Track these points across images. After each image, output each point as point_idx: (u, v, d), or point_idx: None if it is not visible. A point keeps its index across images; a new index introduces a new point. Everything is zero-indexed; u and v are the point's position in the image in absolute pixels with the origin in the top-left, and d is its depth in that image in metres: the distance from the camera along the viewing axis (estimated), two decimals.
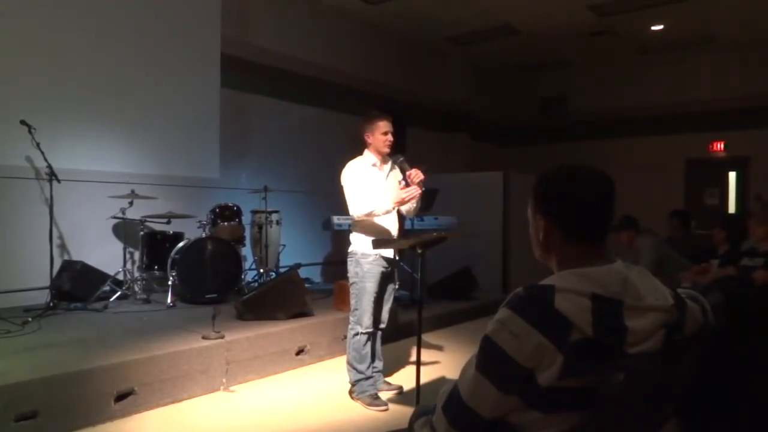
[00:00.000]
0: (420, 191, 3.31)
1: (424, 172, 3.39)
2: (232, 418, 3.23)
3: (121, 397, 3.11)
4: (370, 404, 3.38)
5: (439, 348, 4.86)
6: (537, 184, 1.29)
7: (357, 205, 3.34)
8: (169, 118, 5.84)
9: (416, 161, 3.56)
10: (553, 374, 1.04)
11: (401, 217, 3.70)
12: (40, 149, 4.37)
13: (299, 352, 4.22)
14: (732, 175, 9.24)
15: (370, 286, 3.37)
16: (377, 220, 3.41)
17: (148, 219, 5.09)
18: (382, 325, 3.58)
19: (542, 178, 1.29)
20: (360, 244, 3.41)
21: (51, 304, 4.33)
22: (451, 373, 3.97)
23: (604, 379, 1.03)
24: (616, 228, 5.13)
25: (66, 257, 4.99)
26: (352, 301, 3.45)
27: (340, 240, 6.86)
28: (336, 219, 6.08)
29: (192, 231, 5.38)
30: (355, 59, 8.10)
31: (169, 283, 4.87)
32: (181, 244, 5.05)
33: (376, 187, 3.40)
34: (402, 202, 3.32)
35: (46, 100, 4.95)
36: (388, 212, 3.36)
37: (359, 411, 3.36)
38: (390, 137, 3.43)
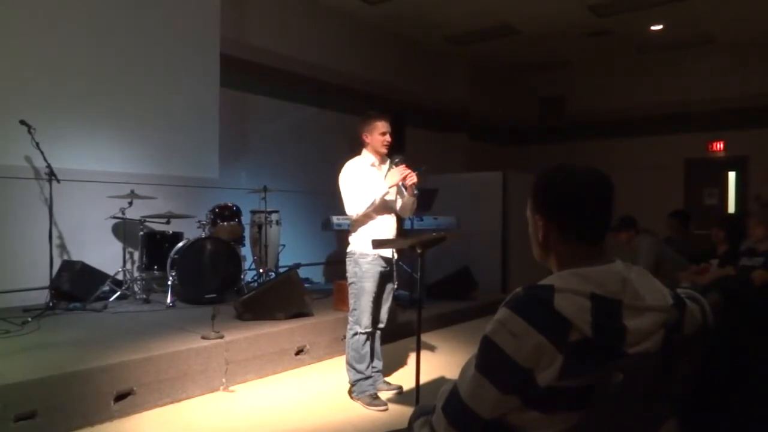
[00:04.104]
0: (413, 177, 3.33)
1: (423, 172, 3.39)
2: (232, 418, 3.23)
3: (120, 397, 3.10)
4: (369, 404, 3.38)
5: (438, 348, 4.86)
6: (536, 184, 1.29)
7: (354, 205, 3.34)
8: (168, 118, 5.84)
9: (415, 161, 3.56)
10: (553, 374, 1.04)
11: (400, 217, 3.71)
12: (39, 149, 4.37)
13: (299, 352, 4.22)
14: (731, 175, 9.24)
15: (369, 285, 3.38)
16: (375, 222, 3.41)
17: (147, 219, 5.09)
18: (381, 325, 3.58)
19: (541, 178, 1.29)
20: (359, 243, 3.41)
21: (50, 304, 4.33)
22: (450, 373, 3.97)
23: (604, 379, 1.03)
24: (615, 228, 5.13)
25: (65, 257, 4.99)
26: (351, 301, 3.45)
27: (340, 240, 6.87)
28: (335, 219, 6.08)
29: (191, 231, 5.38)
30: (355, 59, 8.10)
31: (169, 283, 4.87)
32: (180, 244, 5.05)
33: (374, 187, 3.40)
34: (396, 184, 3.35)
35: (46, 100, 4.95)
36: (385, 195, 3.34)
37: (359, 411, 3.36)
38: (388, 138, 3.44)
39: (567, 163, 1.28)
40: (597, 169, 1.26)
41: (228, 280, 5.09)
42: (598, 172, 1.25)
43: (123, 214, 4.95)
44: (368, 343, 3.45)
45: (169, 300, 4.78)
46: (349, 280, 3.46)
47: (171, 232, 5.34)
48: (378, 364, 3.63)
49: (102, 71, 5.33)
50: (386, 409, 3.36)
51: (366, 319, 3.40)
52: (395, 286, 3.60)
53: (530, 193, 1.30)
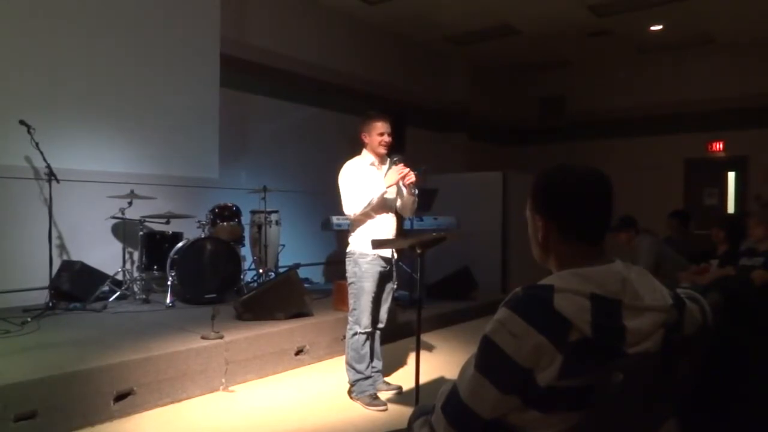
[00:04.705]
0: (412, 177, 3.32)
1: (423, 172, 3.39)
2: (232, 418, 3.23)
3: (120, 397, 3.10)
4: (369, 404, 3.38)
5: (438, 348, 4.86)
6: (536, 184, 1.29)
7: (351, 204, 3.34)
8: (168, 118, 5.84)
9: (415, 161, 3.56)
10: (553, 374, 1.04)
11: (400, 217, 3.71)
12: (39, 149, 4.37)
13: (298, 352, 4.22)
14: (731, 175, 9.24)
15: (369, 285, 3.37)
16: (375, 221, 3.41)
17: (147, 219, 5.09)
18: (381, 325, 3.58)
19: (541, 178, 1.29)
20: (358, 243, 3.41)
21: (50, 304, 4.33)
22: (450, 373, 3.97)
23: (604, 379, 1.03)
24: (615, 228, 5.13)
25: (65, 257, 4.99)
26: (351, 301, 3.45)
27: (340, 240, 6.87)
28: (335, 219, 6.08)
29: (191, 231, 5.38)
30: (355, 59, 8.10)
31: (168, 283, 4.87)
32: (180, 244, 5.05)
33: (373, 187, 3.40)
34: (395, 183, 3.35)
35: (46, 100, 4.95)
36: (383, 194, 3.34)
37: (358, 411, 3.36)
38: (386, 138, 3.43)
39: (567, 163, 1.28)
40: (597, 169, 1.26)
41: (228, 280, 5.09)
42: (598, 172, 1.25)
43: (123, 214, 4.95)
44: (368, 343, 3.45)
45: (168, 300, 4.78)
46: (349, 280, 3.46)
47: (171, 232, 5.34)
48: (378, 364, 3.63)
49: (102, 71, 5.33)
50: (386, 409, 3.36)
51: (366, 319, 3.39)
52: (395, 286, 3.60)
53: (530, 193, 1.30)
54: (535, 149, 10.42)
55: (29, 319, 3.99)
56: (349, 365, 3.47)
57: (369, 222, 3.42)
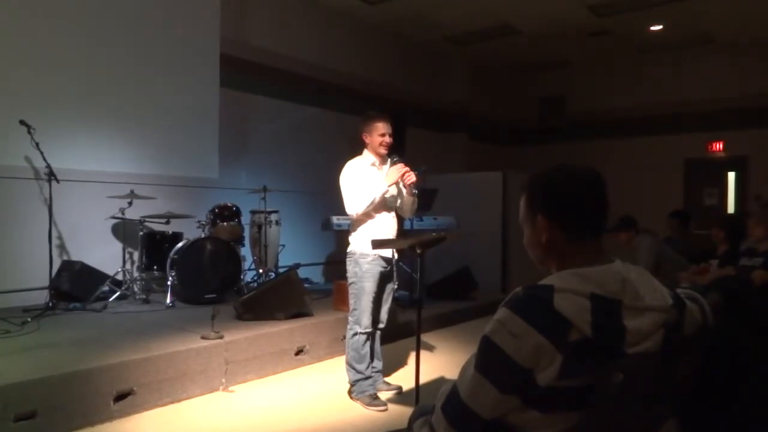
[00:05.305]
0: (412, 176, 3.33)
1: (423, 172, 3.39)
2: (231, 418, 3.23)
3: (120, 397, 3.11)
4: (369, 404, 3.38)
5: (438, 348, 4.86)
6: (536, 184, 1.29)
7: (354, 204, 3.34)
8: (168, 118, 5.84)
9: (415, 161, 3.56)
10: (553, 374, 1.04)
11: (400, 217, 3.71)
12: (39, 149, 4.37)
13: (298, 352, 4.22)
14: (731, 175, 9.24)
15: (369, 285, 3.37)
16: (375, 221, 3.41)
17: (147, 219, 5.09)
18: (381, 325, 3.58)
19: (541, 179, 1.29)
20: (359, 243, 3.41)
21: (50, 305, 4.33)
22: (450, 373, 3.97)
23: (604, 379, 1.03)
24: (615, 228, 5.13)
25: (65, 257, 4.99)
26: (351, 301, 3.45)
27: (340, 240, 6.87)
28: (335, 219, 6.08)
29: (191, 231, 5.38)
30: (355, 59, 8.10)
31: (168, 283, 4.87)
32: (180, 245, 5.05)
33: (374, 187, 3.40)
34: (395, 182, 3.35)
35: (46, 100, 4.95)
36: (385, 193, 3.35)
37: (358, 411, 3.36)
38: (387, 139, 3.43)
39: (563, 163, 1.29)
40: (591, 167, 1.28)
41: (228, 280, 5.09)
42: (595, 171, 1.26)
43: (123, 214, 4.95)
44: (368, 343, 3.45)
45: (168, 300, 4.78)
46: (349, 280, 3.46)
47: (171, 232, 5.35)
48: (378, 364, 3.63)
49: (102, 71, 5.33)
50: (386, 409, 3.36)
51: (366, 319, 3.40)
52: (395, 286, 3.60)
53: (528, 194, 1.30)
54: (535, 149, 10.42)
55: (29, 319, 3.99)
56: (349, 365, 3.47)
57: (369, 222, 3.42)
